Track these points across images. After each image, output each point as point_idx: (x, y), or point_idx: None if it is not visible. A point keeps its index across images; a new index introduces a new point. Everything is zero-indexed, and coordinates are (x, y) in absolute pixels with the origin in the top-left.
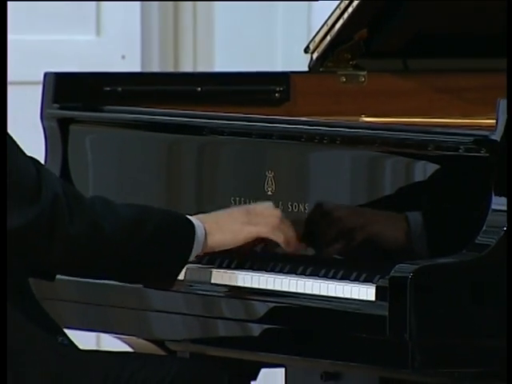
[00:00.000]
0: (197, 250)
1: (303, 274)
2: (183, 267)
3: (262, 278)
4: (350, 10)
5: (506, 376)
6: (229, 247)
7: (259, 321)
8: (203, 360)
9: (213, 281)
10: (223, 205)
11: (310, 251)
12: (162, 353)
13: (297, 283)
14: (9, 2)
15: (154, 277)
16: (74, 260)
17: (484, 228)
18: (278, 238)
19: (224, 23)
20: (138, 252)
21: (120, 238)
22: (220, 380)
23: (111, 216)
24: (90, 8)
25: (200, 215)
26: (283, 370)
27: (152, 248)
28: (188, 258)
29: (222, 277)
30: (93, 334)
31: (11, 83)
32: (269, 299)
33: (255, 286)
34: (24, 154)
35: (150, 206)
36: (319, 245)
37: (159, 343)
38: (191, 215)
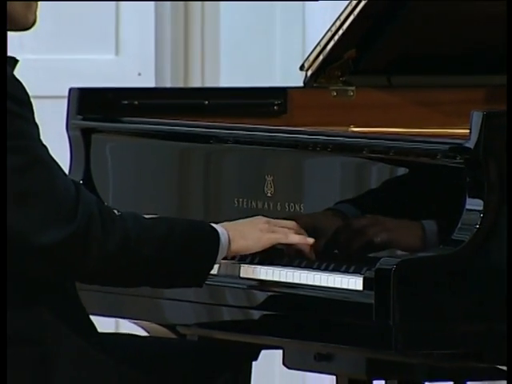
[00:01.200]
0: (222, 254)
1: (299, 266)
2: (210, 271)
3: (262, 269)
4: (340, 32)
5: (506, 376)
6: (250, 252)
7: (259, 308)
8: (210, 342)
9: (220, 272)
10: (227, 205)
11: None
12: (173, 336)
13: (293, 274)
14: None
15: (183, 282)
16: (107, 274)
17: (459, 226)
18: (292, 240)
19: (229, 44)
20: (167, 262)
21: (150, 251)
22: (225, 360)
23: (142, 231)
24: (109, 30)
25: (225, 223)
26: (281, 351)
27: (180, 257)
28: (214, 262)
29: (226, 267)
30: (112, 320)
31: (40, 97)
32: (267, 288)
33: (256, 277)
34: (65, 174)
35: (176, 218)
36: (319, 243)
37: (171, 328)
38: (202, 216)
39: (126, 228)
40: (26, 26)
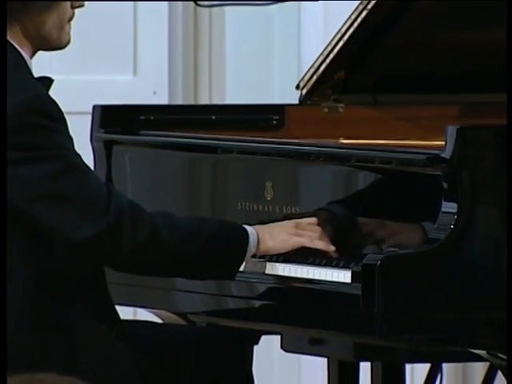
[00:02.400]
0: (250, 252)
1: (295, 261)
2: (240, 266)
3: (258, 263)
4: (331, 55)
5: (506, 376)
6: (278, 252)
7: (260, 298)
8: (217, 328)
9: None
10: (232, 208)
11: None
12: (184, 323)
13: (289, 269)
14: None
15: (214, 274)
16: (139, 263)
17: (436, 226)
18: (317, 246)
19: (233, 67)
20: (195, 255)
21: (177, 243)
22: (229, 344)
23: (169, 225)
24: (128, 55)
25: (256, 226)
26: (279, 336)
27: (208, 251)
28: (242, 259)
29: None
30: (131, 309)
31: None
32: (267, 281)
33: (258, 270)
34: (97, 177)
35: (208, 218)
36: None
37: (182, 315)
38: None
39: (155, 223)
40: (59, 46)
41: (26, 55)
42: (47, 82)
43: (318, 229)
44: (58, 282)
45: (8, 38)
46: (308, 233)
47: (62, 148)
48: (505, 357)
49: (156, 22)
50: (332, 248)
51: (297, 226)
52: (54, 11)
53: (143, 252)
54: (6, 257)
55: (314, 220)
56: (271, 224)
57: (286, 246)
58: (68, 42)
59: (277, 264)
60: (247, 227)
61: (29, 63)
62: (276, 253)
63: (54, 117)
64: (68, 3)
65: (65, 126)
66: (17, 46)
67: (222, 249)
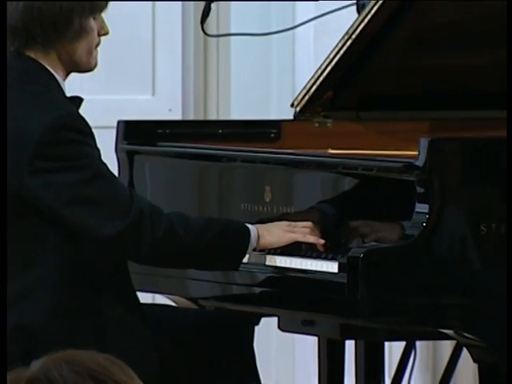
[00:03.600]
0: (252, 247)
1: (289, 254)
2: (242, 259)
3: (252, 255)
4: (321, 78)
5: (506, 376)
6: (275, 247)
7: (261, 286)
8: (223, 312)
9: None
10: (236, 208)
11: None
12: (195, 307)
13: (286, 260)
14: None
15: (220, 266)
16: (157, 256)
17: (410, 224)
18: (308, 240)
19: (237, 88)
20: (204, 249)
21: (189, 239)
22: (234, 325)
23: (182, 224)
24: (147, 77)
25: (257, 224)
26: (276, 318)
27: (216, 246)
28: (245, 253)
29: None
30: (149, 294)
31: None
32: (267, 271)
33: (260, 262)
34: (121, 182)
35: (217, 218)
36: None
37: (194, 300)
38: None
39: (171, 222)
40: (89, 69)
41: (59, 78)
42: (78, 101)
43: (310, 226)
44: (88, 273)
45: (44, 64)
46: (301, 229)
47: (90, 158)
48: (469, 335)
49: (171, 49)
50: (321, 242)
51: (291, 225)
52: (83, 40)
53: (161, 247)
54: (6, 257)
55: (307, 223)
56: (269, 223)
57: (282, 241)
58: (95, 66)
59: (275, 256)
60: (249, 225)
61: (62, 85)
62: (274, 247)
63: (83, 131)
64: (95, 32)
65: (93, 139)
66: (51, 71)
67: (228, 244)
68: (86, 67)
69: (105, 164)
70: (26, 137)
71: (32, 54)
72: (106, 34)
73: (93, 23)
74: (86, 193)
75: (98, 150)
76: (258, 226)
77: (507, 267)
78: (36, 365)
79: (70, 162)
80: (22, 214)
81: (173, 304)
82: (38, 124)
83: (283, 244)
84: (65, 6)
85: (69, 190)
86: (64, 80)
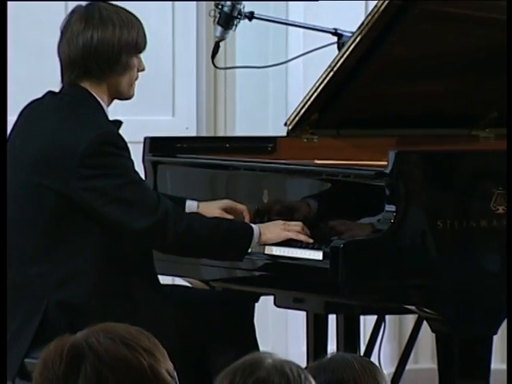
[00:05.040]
0: (254, 243)
1: (283, 244)
2: (247, 252)
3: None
4: (308, 103)
5: (506, 376)
6: (273, 242)
7: (261, 270)
8: (229, 291)
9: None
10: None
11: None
12: (207, 287)
13: (280, 250)
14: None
15: (229, 257)
16: (178, 248)
17: (381, 220)
18: (299, 238)
19: (241, 110)
20: (216, 243)
21: (205, 235)
22: (238, 302)
23: (199, 222)
24: (168, 102)
25: (259, 224)
26: (272, 296)
27: (225, 241)
28: (248, 247)
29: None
30: (169, 277)
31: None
32: (265, 258)
33: (261, 251)
34: (150, 187)
35: (225, 218)
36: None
37: (205, 282)
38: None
39: (190, 220)
40: (129, 97)
41: (104, 104)
42: (118, 123)
43: (301, 225)
44: (121, 260)
45: (92, 92)
46: (294, 227)
47: (125, 168)
48: (428, 310)
49: (188, 79)
50: (310, 240)
51: (285, 223)
52: (127, 74)
53: (181, 240)
54: (6, 257)
55: (298, 223)
56: (268, 223)
57: (278, 238)
58: (133, 94)
59: (272, 246)
60: (252, 225)
61: (106, 110)
62: (271, 242)
63: (120, 146)
64: (136, 68)
65: (127, 152)
66: (98, 98)
67: (235, 240)
68: (127, 96)
69: (137, 172)
70: (74, 149)
71: (85, 84)
72: (143, 70)
73: (135, 60)
74: (122, 195)
75: (132, 161)
76: (260, 225)
77: (507, 267)
78: (79, 333)
79: (109, 171)
80: (69, 212)
81: (189, 285)
82: (84, 139)
83: (279, 240)
84: (116, 45)
85: (107, 193)
86: (108, 106)
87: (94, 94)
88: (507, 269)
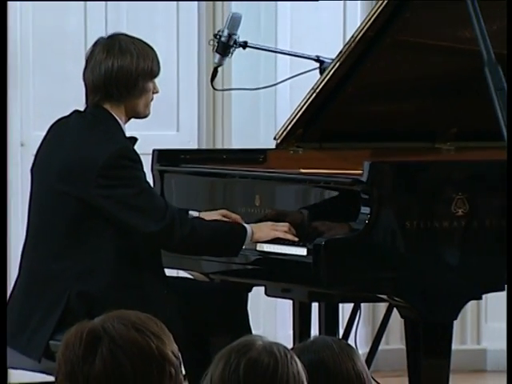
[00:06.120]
0: (247, 240)
1: (273, 242)
2: (241, 249)
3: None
4: (294, 120)
5: (506, 376)
6: (263, 240)
7: (254, 264)
8: (227, 283)
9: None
10: (235, 210)
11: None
12: (207, 279)
13: (270, 246)
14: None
15: (226, 254)
16: (183, 248)
17: (357, 221)
18: (286, 237)
19: (237, 126)
20: (216, 243)
21: (206, 236)
22: (234, 292)
23: (201, 225)
24: (173, 119)
25: (251, 224)
26: (264, 287)
27: (223, 240)
28: (242, 245)
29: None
30: (174, 270)
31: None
32: (257, 254)
33: (256, 248)
34: (159, 195)
35: (223, 220)
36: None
37: (206, 275)
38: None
39: (193, 224)
40: (145, 117)
41: (121, 123)
42: (133, 140)
43: (288, 226)
44: (133, 257)
45: (112, 113)
46: (281, 228)
47: (138, 179)
48: (398, 299)
49: (190, 100)
50: (296, 239)
51: (274, 224)
52: (143, 97)
53: (186, 242)
54: (6, 257)
55: (286, 224)
56: (259, 223)
57: (268, 236)
58: (149, 114)
59: (263, 244)
60: (246, 225)
61: (123, 128)
62: (262, 240)
63: (134, 160)
64: (151, 91)
65: (140, 165)
66: (117, 118)
67: (232, 239)
68: (143, 115)
69: (148, 182)
70: (94, 161)
71: (106, 106)
72: (157, 92)
73: (150, 85)
74: (135, 203)
75: (144, 173)
76: (252, 225)
77: (507, 267)
78: (96, 319)
79: (124, 181)
80: (89, 216)
81: (191, 277)
82: (103, 153)
83: (269, 239)
84: (134, 72)
85: (122, 201)
86: (125, 124)
87: (114, 114)
88: (507, 268)
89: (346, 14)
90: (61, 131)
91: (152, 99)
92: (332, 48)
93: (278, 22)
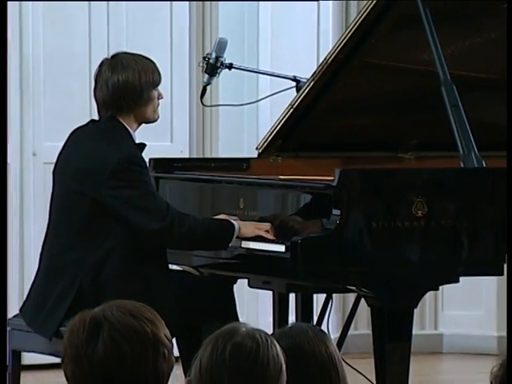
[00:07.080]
0: (235, 236)
1: (258, 240)
2: (230, 243)
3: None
4: (274, 132)
5: (507, 376)
6: (247, 237)
7: (237, 259)
8: (215, 276)
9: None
10: (222, 212)
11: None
12: (197, 273)
13: (253, 244)
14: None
15: (217, 248)
16: (182, 244)
17: (329, 221)
18: (267, 236)
19: (223, 137)
20: (209, 239)
21: (201, 233)
22: (221, 283)
23: (196, 223)
24: (166, 131)
25: (239, 221)
26: (247, 279)
27: (215, 236)
28: (231, 240)
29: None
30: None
31: None
32: (241, 250)
33: (239, 245)
34: (161, 197)
35: (213, 218)
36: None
37: (195, 268)
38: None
39: (190, 223)
40: (154, 120)
41: (131, 131)
42: (142, 146)
43: (269, 226)
44: (141, 251)
45: (123, 123)
46: (264, 227)
47: (144, 182)
48: (365, 290)
49: (182, 114)
50: (275, 237)
51: (257, 224)
52: (150, 104)
53: (183, 239)
54: (6, 257)
55: (268, 224)
56: (245, 222)
57: (252, 233)
58: (158, 118)
59: (248, 241)
60: (234, 222)
61: (133, 135)
62: (246, 236)
63: (141, 165)
64: (156, 97)
65: (146, 170)
66: (127, 127)
67: (222, 234)
68: (153, 120)
69: (152, 186)
70: (106, 165)
71: (118, 117)
72: (162, 97)
73: (155, 93)
74: (140, 203)
75: (149, 177)
76: (239, 222)
77: (507, 267)
78: (97, 308)
79: (131, 184)
80: (100, 213)
81: (183, 270)
82: (114, 158)
83: (252, 236)
84: (138, 85)
85: (129, 201)
86: (135, 131)
87: (125, 124)
88: (507, 269)
89: (320, 39)
90: (77, 138)
91: (158, 105)
92: (307, 69)
93: (260, 45)
